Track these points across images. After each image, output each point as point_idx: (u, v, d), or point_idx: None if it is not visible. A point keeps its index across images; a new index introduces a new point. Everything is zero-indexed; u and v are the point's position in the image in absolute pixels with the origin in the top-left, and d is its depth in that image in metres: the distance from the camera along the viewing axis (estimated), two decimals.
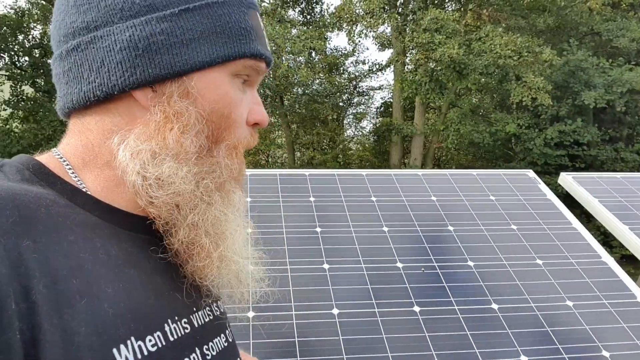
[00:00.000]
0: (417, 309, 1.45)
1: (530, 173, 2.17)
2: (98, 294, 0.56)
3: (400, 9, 13.19)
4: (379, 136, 17.27)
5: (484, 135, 15.12)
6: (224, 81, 0.67)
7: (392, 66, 15.72)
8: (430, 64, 12.64)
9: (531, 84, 12.16)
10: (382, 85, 18.29)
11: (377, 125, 17.36)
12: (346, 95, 17.26)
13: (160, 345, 0.61)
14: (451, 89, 13.89)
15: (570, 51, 14.32)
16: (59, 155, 0.68)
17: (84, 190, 0.64)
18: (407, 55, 14.04)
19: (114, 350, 0.56)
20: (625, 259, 10.21)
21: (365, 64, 17.79)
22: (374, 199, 1.89)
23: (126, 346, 0.57)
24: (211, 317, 0.73)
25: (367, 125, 18.83)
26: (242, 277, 0.72)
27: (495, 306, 1.49)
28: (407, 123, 15.08)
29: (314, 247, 1.61)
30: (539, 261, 1.69)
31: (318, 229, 1.70)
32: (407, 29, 13.05)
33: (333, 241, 1.66)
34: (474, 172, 2.13)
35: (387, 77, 18.37)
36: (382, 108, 18.81)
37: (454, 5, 14.86)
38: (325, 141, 16.47)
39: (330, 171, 2.00)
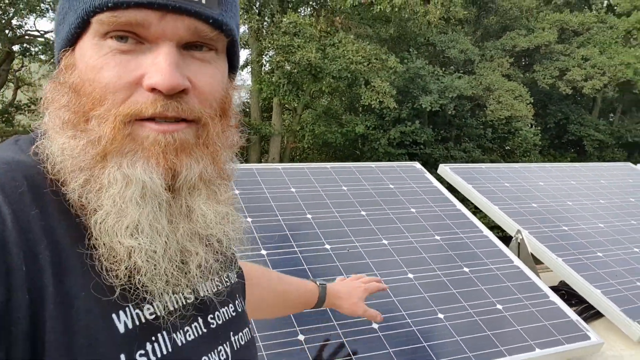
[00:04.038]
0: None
1: (417, 165, 2.50)
2: (98, 263, 0.59)
3: (258, 10, 13.42)
4: None
5: (337, 136, 16.04)
6: (90, 45, 0.62)
7: (249, 66, 15.88)
8: (287, 66, 13.07)
9: (379, 88, 13.21)
10: (239, 86, 18.24)
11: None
12: None
13: (158, 314, 0.63)
14: (307, 91, 14.48)
15: (410, 59, 15.83)
16: None
17: None
18: (264, 56, 14.32)
19: (114, 315, 0.59)
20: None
21: None
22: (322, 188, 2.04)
23: (125, 313, 0.60)
24: (220, 287, 0.76)
25: None
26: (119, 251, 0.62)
27: (411, 275, 1.75)
28: (265, 123, 15.36)
29: None
30: (437, 237, 1.99)
31: None
32: (264, 32, 13.32)
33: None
34: (372, 164, 2.39)
35: (243, 77, 18.39)
36: (240, 108, 18.85)
37: (308, 9, 15.50)
38: None
39: None
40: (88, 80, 0.61)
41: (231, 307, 0.77)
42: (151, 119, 0.61)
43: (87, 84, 0.61)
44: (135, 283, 0.61)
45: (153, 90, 0.60)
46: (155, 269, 0.61)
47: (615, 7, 21.59)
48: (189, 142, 0.63)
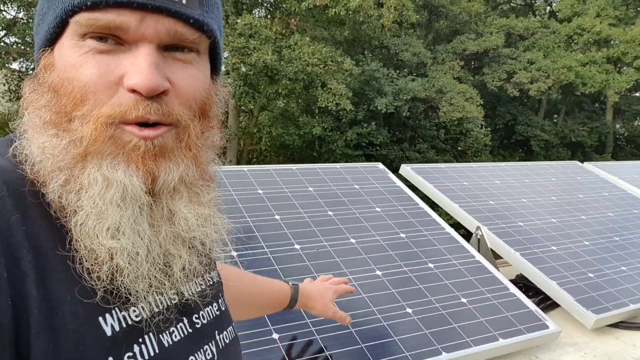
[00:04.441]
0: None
1: (380, 165, 2.55)
2: (78, 266, 0.59)
3: None
4: None
5: (294, 138, 16.07)
6: (70, 45, 0.61)
7: None
8: (243, 68, 12.99)
9: (335, 90, 13.32)
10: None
11: None
12: None
13: (144, 316, 0.63)
14: (263, 93, 14.44)
15: (365, 62, 16.04)
16: None
17: None
18: None
19: (100, 319, 0.59)
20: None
21: None
22: (310, 188, 2.05)
23: (111, 315, 0.60)
24: (203, 287, 0.76)
25: None
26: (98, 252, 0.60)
27: (379, 272, 1.79)
28: (221, 125, 15.20)
29: None
30: (402, 235, 2.04)
31: None
32: None
33: None
34: (337, 165, 2.43)
35: None
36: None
37: (263, 11, 15.47)
38: None
39: None
40: (67, 79, 0.61)
41: (215, 307, 0.78)
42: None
43: (67, 82, 0.61)
44: (118, 285, 0.60)
45: (133, 91, 0.59)
46: (137, 270, 0.60)
47: (557, 13, 22.63)
48: (167, 147, 0.63)
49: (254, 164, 19.07)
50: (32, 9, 12.02)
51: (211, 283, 0.79)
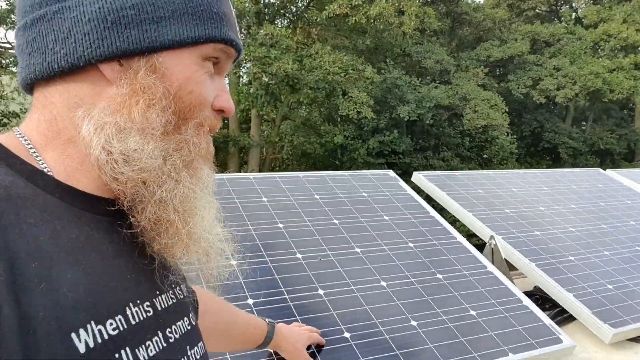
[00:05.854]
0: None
1: (391, 173, 2.50)
2: (57, 278, 0.56)
3: None
4: (216, 147, 17.21)
5: (316, 146, 16.07)
6: (193, 62, 0.68)
7: (226, 78, 15.87)
8: (265, 77, 13.07)
9: (356, 98, 13.29)
10: None
11: (214, 136, 17.27)
12: None
13: (121, 329, 0.61)
14: (285, 102, 14.49)
15: (387, 70, 15.98)
16: (20, 133, 0.66)
17: (45, 170, 0.62)
18: (242, 68, 14.31)
19: (73, 335, 0.55)
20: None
21: None
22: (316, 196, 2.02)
23: (86, 330, 0.56)
24: (174, 301, 0.74)
25: None
26: (212, 253, 0.73)
27: (384, 283, 1.74)
28: (244, 135, 15.30)
29: None
30: (410, 244, 1.98)
31: None
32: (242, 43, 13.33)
33: None
34: (346, 173, 2.38)
35: None
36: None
37: (285, 21, 15.57)
38: None
39: None
40: (190, 91, 0.68)
41: (186, 321, 0.76)
42: None
43: (188, 94, 0.68)
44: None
45: (220, 110, 0.73)
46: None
47: (583, 20, 22.20)
48: None
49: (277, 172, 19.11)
50: None
51: (181, 296, 0.78)
